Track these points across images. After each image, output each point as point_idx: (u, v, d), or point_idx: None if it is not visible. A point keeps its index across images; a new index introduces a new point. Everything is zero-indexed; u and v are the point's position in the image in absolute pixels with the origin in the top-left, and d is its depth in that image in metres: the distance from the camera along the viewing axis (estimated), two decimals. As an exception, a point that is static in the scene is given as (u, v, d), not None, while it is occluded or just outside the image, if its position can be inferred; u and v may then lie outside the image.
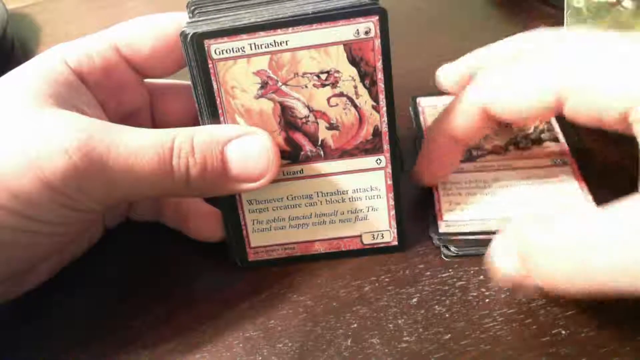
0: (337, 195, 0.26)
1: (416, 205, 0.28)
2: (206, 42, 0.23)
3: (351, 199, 0.26)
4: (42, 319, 0.26)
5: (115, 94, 0.26)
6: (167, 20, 0.25)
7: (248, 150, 0.23)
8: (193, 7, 0.24)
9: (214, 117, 0.24)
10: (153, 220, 0.29)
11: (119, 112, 0.27)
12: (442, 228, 0.26)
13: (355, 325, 0.24)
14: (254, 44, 0.23)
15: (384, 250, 0.27)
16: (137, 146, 0.22)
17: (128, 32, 0.25)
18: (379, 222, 0.26)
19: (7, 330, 0.25)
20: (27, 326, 0.25)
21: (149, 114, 0.28)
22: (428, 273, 0.25)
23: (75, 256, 0.27)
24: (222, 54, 0.23)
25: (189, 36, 0.23)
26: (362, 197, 0.26)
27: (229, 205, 0.26)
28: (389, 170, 0.25)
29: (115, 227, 0.29)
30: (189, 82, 0.24)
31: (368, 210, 0.26)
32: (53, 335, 0.25)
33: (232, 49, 0.23)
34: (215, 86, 0.24)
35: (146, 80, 0.28)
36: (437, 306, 0.24)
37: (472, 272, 0.25)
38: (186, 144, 0.22)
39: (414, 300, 0.24)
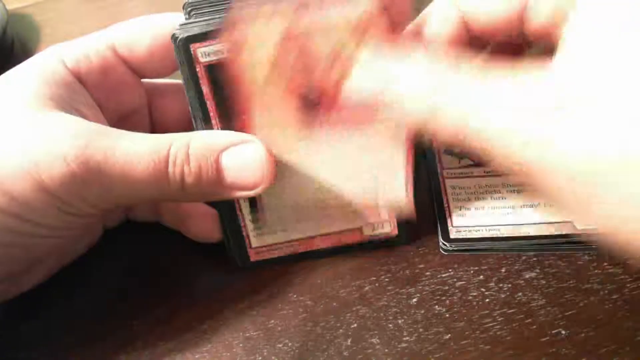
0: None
1: (417, 205, 0.28)
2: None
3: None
4: (42, 319, 0.26)
5: (113, 94, 0.26)
6: (164, 21, 0.25)
7: (243, 159, 0.23)
8: (189, 8, 0.24)
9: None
10: (152, 221, 0.29)
11: (117, 112, 0.27)
12: (453, 234, 0.26)
13: (355, 325, 0.24)
14: None
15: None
16: (132, 153, 0.22)
17: (125, 32, 0.25)
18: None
19: (7, 330, 0.25)
20: (27, 326, 0.25)
21: (147, 113, 0.28)
22: (428, 273, 0.25)
23: (74, 256, 0.27)
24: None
25: (177, 39, 0.23)
26: None
27: (227, 206, 0.26)
28: None
29: (115, 227, 0.29)
30: None
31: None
32: (53, 335, 0.25)
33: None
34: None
35: (144, 80, 0.28)
36: (437, 306, 0.24)
37: (472, 272, 0.25)
38: (181, 151, 0.22)
39: (414, 300, 0.24)
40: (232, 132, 0.24)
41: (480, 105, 0.19)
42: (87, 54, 0.25)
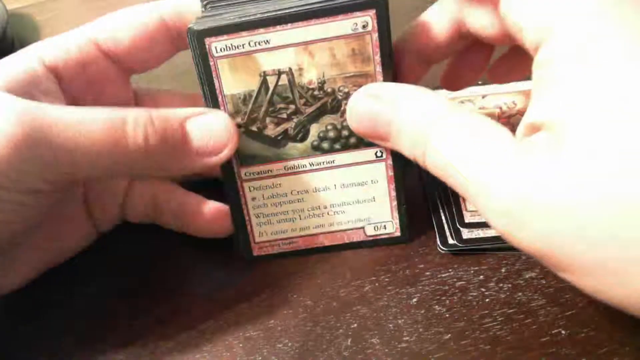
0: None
1: (420, 204, 0.28)
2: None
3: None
4: (42, 319, 0.26)
5: (92, 88, 0.26)
6: (147, 11, 0.25)
7: (207, 124, 0.23)
8: (206, 2, 0.24)
9: None
10: (150, 222, 0.29)
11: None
12: (465, 234, 0.26)
13: (355, 325, 0.24)
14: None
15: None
16: (85, 115, 0.21)
17: (107, 25, 0.25)
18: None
19: (7, 330, 0.25)
20: (26, 326, 0.25)
21: None
22: (428, 273, 0.25)
23: (62, 256, 0.27)
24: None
25: (192, 33, 0.23)
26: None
27: (233, 200, 0.26)
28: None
29: (114, 228, 0.29)
30: (182, 91, 0.24)
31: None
32: (53, 335, 0.25)
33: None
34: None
35: (139, 86, 0.28)
36: (437, 306, 0.24)
37: (472, 272, 0.25)
38: (144, 115, 0.22)
39: (414, 300, 0.24)
40: (196, 107, 0.24)
41: (465, 154, 0.19)
42: (68, 48, 0.24)
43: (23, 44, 0.25)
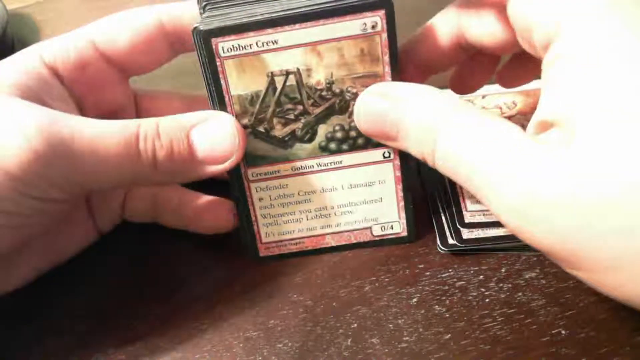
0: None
1: (420, 204, 0.28)
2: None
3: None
4: (42, 319, 0.26)
5: (92, 90, 0.26)
6: (146, 15, 0.25)
7: (213, 133, 0.23)
8: (204, 3, 0.24)
9: None
10: (150, 221, 0.29)
11: (99, 109, 0.26)
12: (465, 234, 0.26)
13: (355, 325, 0.24)
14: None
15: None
16: (102, 129, 0.21)
17: (106, 27, 0.25)
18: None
19: (7, 330, 0.25)
20: (27, 326, 0.25)
21: (134, 116, 0.28)
22: (428, 273, 0.25)
23: (64, 257, 0.27)
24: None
25: (198, 33, 0.23)
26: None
27: (240, 201, 0.26)
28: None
29: (113, 228, 0.29)
30: (181, 91, 0.24)
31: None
32: (53, 335, 0.25)
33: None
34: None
35: (139, 87, 0.27)
36: (437, 306, 0.24)
37: (472, 272, 0.25)
38: (151, 129, 0.22)
39: (414, 300, 0.24)
40: (202, 111, 0.24)
41: (475, 152, 0.19)
42: (66, 50, 0.24)
43: (23, 44, 0.25)
